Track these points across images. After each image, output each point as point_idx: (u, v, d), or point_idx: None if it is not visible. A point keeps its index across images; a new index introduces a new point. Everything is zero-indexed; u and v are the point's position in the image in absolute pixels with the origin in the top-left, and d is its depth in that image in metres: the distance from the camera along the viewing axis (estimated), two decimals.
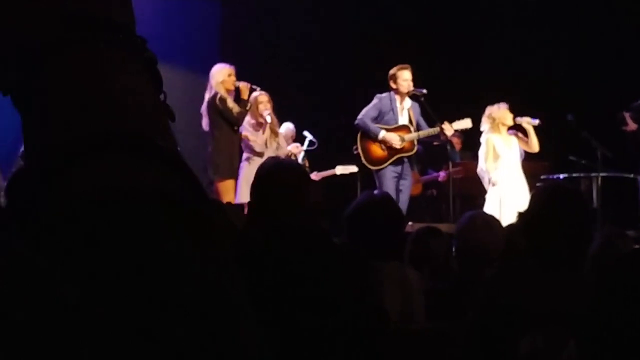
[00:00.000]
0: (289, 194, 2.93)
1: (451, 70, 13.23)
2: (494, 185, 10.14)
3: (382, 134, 9.94)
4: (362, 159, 10.11)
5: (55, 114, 1.01)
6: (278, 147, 10.16)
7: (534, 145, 10.17)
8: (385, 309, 3.16)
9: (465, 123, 10.24)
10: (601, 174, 10.98)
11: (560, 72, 12.86)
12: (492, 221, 4.59)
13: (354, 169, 10.99)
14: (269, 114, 9.92)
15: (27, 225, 0.91)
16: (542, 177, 10.66)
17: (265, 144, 10.04)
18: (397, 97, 10.05)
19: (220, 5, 13.64)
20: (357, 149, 10.15)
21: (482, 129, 10.23)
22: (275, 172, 3.01)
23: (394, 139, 9.92)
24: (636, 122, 10.55)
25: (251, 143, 9.92)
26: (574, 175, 11.08)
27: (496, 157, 10.14)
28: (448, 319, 3.97)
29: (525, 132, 10.27)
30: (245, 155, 9.90)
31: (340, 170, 11.15)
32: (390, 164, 9.99)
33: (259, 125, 9.98)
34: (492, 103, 10.29)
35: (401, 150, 9.99)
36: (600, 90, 12.20)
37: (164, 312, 0.90)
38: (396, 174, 9.97)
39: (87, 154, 0.95)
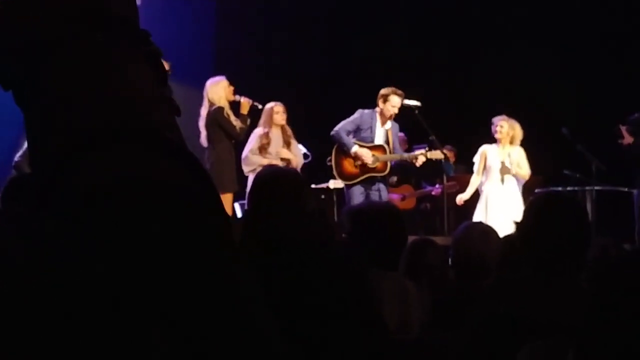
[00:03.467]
0: (287, 202, 2.91)
1: (446, 82, 13.24)
2: (481, 194, 10.20)
3: (355, 149, 9.94)
4: (334, 171, 10.11)
5: (63, 108, 1.00)
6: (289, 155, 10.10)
7: (521, 173, 10.19)
8: (383, 319, 3.14)
9: (438, 154, 10.20)
10: (596, 188, 11.00)
11: (555, 85, 12.87)
12: (489, 231, 4.57)
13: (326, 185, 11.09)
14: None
15: (47, 213, 0.90)
16: (536, 190, 10.65)
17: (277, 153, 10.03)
18: (379, 117, 10.04)
19: (214, 18, 13.64)
20: (330, 160, 10.15)
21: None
22: (273, 179, 2.99)
23: (366, 156, 9.91)
24: (632, 135, 10.55)
25: (260, 156, 9.86)
26: (569, 188, 11.08)
27: (487, 168, 10.17)
28: (445, 330, 3.95)
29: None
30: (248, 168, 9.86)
31: (333, 184, 11.15)
32: (360, 182, 9.98)
33: (267, 138, 9.95)
34: (488, 116, 10.31)
35: (373, 169, 9.97)
36: (595, 103, 12.22)
37: (183, 299, 0.90)
38: (366, 191, 9.95)
39: (99, 146, 0.95)
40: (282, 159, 9.97)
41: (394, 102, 9.93)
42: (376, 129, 10.06)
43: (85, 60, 1.04)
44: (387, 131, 10.10)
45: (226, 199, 9.47)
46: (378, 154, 10.00)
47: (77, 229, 0.91)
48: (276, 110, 10.03)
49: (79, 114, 1.02)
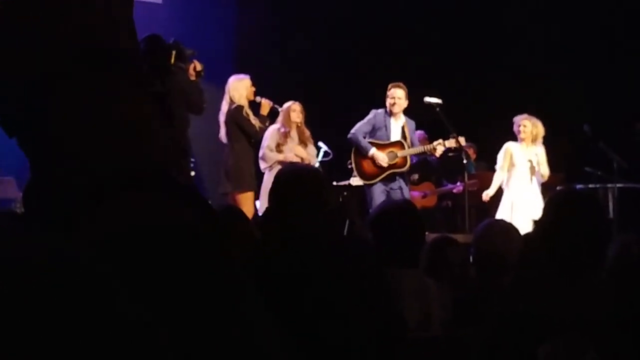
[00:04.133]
0: (308, 199, 2.92)
1: (467, 80, 13.22)
2: (505, 192, 10.18)
3: (372, 152, 9.99)
4: (355, 172, 10.17)
5: (71, 152, 1.01)
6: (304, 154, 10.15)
7: (542, 171, 10.15)
8: (403, 316, 3.15)
9: (458, 141, 10.19)
10: (617, 185, 10.96)
11: (575, 81, 12.82)
12: (510, 229, 4.57)
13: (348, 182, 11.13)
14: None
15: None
16: (557, 188, 10.62)
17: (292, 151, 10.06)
18: (391, 114, 10.07)
19: (235, 14, 13.67)
20: (350, 163, 10.21)
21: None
22: (294, 177, 3.00)
23: (382, 159, 9.95)
24: None
25: (275, 150, 9.90)
26: (590, 186, 11.04)
27: (512, 165, 10.16)
28: (466, 327, 3.96)
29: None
30: (265, 164, 9.89)
31: (355, 181, 11.15)
32: (381, 180, 10.02)
33: (285, 136, 10.01)
34: (508, 114, 10.29)
35: (393, 166, 10.01)
36: (616, 100, 12.17)
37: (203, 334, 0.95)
38: (387, 190, 9.99)
39: (113, 194, 0.97)
40: (297, 156, 10.01)
41: (392, 94, 10.01)
42: (391, 127, 10.09)
43: (90, 101, 1.05)
44: (402, 127, 10.12)
45: (247, 197, 9.50)
46: (396, 150, 10.02)
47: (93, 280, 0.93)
48: (293, 109, 10.07)
49: (90, 158, 1.04)
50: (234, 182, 9.56)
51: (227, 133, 9.62)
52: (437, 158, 10.47)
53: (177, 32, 9.44)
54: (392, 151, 10.04)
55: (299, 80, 13.24)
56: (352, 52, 13.81)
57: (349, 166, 10.25)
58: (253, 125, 9.57)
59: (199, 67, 8.44)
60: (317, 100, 13.12)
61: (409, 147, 10.09)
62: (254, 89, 9.77)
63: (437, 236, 5.63)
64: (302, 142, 10.20)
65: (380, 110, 10.13)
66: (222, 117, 9.64)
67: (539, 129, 10.18)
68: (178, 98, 8.23)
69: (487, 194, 10.39)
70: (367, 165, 10.10)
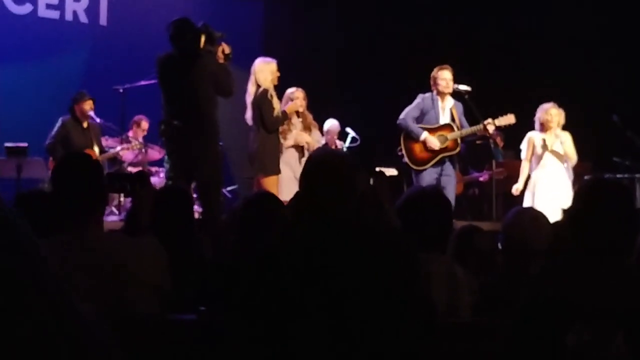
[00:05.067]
0: (340, 184, 2.93)
1: (496, 69, 13.19)
2: (530, 181, 10.14)
3: (424, 136, 9.95)
4: (406, 159, 10.09)
5: None
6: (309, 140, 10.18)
7: (570, 156, 10.08)
8: (433, 301, 3.17)
9: (508, 119, 10.18)
10: None
11: (604, 70, 12.77)
12: (539, 217, 4.57)
13: (393, 172, 11.07)
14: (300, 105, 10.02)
15: None
16: (585, 177, 10.58)
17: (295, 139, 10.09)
18: (439, 97, 10.06)
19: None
20: (401, 150, 10.14)
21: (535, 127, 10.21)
22: (326, 161, 3.01)
23: (433, 143, 9.92)
24: None
25: (281, 137, 9.94)
26: (618, 176, 10.99)
27: (535, 154, 10.12)
28: (494, 314, 3.97)
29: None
30: None
31: (389, 172, 11.15)
32: (433, 165, 9.98)
33: (289, 123, 10.02)
34: (536, 102, 10.25)
35: (444, 149, 9.98)
36: None
37: None
38: (437, 175, 9.96)
39: None
40: (302, 142, 10.07)
41: (444, 76, 9.98)
42: (439, 110, 10.07)
43: None
44: (451, 110, 10.11)
45: (271, 181, 9.49)
46: (446, 133, 10.00)
47: None
48: (296, 96, 10.07)
49: None
50: (258, 165, 9.57)
51: (254, 117, 9.62)
52: (489, 136, 10.40)
53: (204, 14, 9.46)
54: (442, 134, 10.01)
55: (326, 66, 13.26)
56: (384, 40, 13.80)
57: (399, 153, 10.19)
58: (272, 113, 9.52)
59: (227, 49, 8.45)
60: (345, 87, 13.15)
61: (458, 130, 10.07)
62: (278, 74, 9.75)
63: (464, 226, 5.63)
64: (306, 127, 10.23)
65: (428, 94, 10.10)
66: (248, 99, 9.63)
67: (562, 116, 10.13)
68: (207, 81, 8.26)
69: (517, 189, 10.30)
70: (418, 150, 10.05)
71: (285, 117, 9.75)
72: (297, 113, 10.12)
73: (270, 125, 9.55)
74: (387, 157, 11.23)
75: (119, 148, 11.63)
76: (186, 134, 8.15)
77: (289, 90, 10.09)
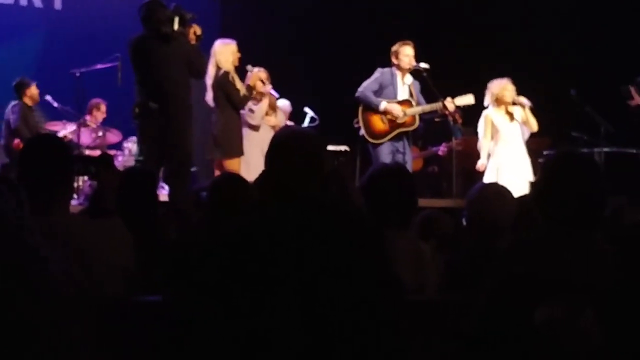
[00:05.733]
0: (308, 163, 2.91)
1: (453, 44, 13.19)
2: (491, 157, 10.12)
3: (384, 105, 9.91)
4: (363, 131, 10.05)
5: None
6: (275, 122, 10.20)
7: (532, 125, 10.09)
8: (401, 278, 3.15)
9: (468, 99, 10.18)
10: (604, 150, 10.98)
11: (563, 46, 12.81)
12: (504, 192, 4.56)
13: (345, 148, 11.18)
14: (270, 88, 10.03)
15: None
16: (544, 152, 10.62)
17: (262, 117, 10.09)
18: (399, 73, 10.05)
19: None
20: (357, 122, 10.12)
21: (485, 104, 10.17)
22: (293, 139, 2.98)
23: (396, 109, 9.90)
24: None
25: (247, 117, 9.92)
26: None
27: (495, 131, 10.10)
28: (460, 290, 3.97)
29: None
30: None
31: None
32: (390, 139, 9.96)
33: (256, 100, 10.00)
34: (494, 78, 10.23)
35: (402, 124, 9.97)
36: (603, 64, 12.17)
37: None
38: (393, 150, 9.94)
39: None
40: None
41: (405, 52, 9.97)
42: (398, 85, 10.04)
43: None
44: (409, 86, 10.10)
45: (234, 163, 9.47)
46: (405, 108, 9.98)
47: None
48: (260, 76, 10.06)
49: None
50: (221, 148, 9.53)
51: (215, 98, 9.58)
52: (447, 115, 10.36)
53: None
54: (402, 109, 9.99)
55: (285, 46, 13.20)
56: (339, 16, 13.75)
57: (356, 125, 10.16)
58: (238, 94, 9.52)
59: (198, 30, 8.43)
60: (303, 67, 13.10)
61: (416, 106, 10.06)
62: (239, 55, 9.70)
63: (425, 212, 5.63)
64: (271, 107, 10.25)
65: (387, 69, 10.06)
66: (208, 81, 9.58)
67: (499, 88, 10.09)
68: (181, 62, 8.25)
69: (482, 164, 10.26)
70: (376, 122, 10.02)
71: (251, 91, 9.73)
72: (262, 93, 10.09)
73: (239, 104, 9.56)
74: (337, 135, 11.25)
75: (66, 130, 11.65)
76: (162, 116, 8.14)
77: (255, 69, 10.04)
